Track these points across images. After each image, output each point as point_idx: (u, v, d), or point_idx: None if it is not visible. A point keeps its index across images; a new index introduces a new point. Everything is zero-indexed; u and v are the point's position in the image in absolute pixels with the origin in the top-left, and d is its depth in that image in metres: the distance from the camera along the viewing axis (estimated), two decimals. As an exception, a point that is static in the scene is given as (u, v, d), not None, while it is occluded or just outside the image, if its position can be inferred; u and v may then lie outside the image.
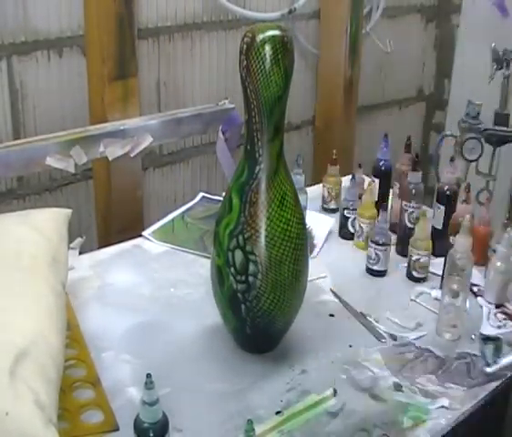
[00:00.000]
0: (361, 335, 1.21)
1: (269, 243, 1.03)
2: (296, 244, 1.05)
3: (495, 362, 1.11)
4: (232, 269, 1.04)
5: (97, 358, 1.10)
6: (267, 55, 0.97)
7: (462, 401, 1.07)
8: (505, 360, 1.12)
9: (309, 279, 1.13)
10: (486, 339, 1.18)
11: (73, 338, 1.13)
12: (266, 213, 1.03)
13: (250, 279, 1.04)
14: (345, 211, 1.52)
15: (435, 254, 1.39)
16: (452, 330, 1.21)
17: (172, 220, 1.60)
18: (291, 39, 1.00)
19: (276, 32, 0.98)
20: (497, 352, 1.15)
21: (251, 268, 1.03)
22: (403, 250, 1.45)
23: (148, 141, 1.74)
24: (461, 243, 1.19)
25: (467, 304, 1.24)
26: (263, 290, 1.04)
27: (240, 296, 1.05)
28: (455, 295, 1.19)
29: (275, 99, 1.00)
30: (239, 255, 1.03)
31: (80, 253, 1.45)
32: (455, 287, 1.19)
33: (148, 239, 1.51)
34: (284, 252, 1.04)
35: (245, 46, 0.98)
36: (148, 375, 0.84)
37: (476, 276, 1.35)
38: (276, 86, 0.99)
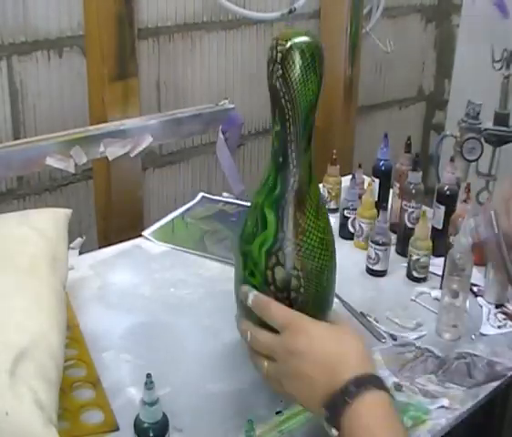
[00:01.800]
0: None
1: (309, 255, 0.99)
2: (332, 252, 1.02)
3: None
4: (272, 288, 0.99)
5: (97, 358, 1.10)
6: (306, 63, 0.95)
7: (462, 401, 1.07)
8: None
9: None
10: None
11: (73, 338, 1.13)
12: (305, 225, 0.99)
13: (293, 294, 0.99)
14: (345, 211, 1.52)
15: (435, 254, 1.39)
16: (452, 330, 1.21)
17: (172, 220, 1.60)
18: (323, 46, 0.97)
19: (308, 38, 0.95)
20: None
21: (294, 282, 0.99)
22: (403, 250, 1.45)
23: (148, 141, 1.74)
24: (461, 243, 1.18)
25: (467, 304, 1.24)
26: (305, 304, 1.00)
27: None
28: (455, 295, 1.19)
29: (311, 107, 0.99)
30: (280, 272, 0.98)
31: (80, 253, 1.45)
32: (455, 287, 1.19)
33: (148, 239, 1.51)
34: (323, 262, 1.00)
35: (280, 55, 0.94)
36: (148, 375, 0.84)
37: (476, 276, 1.35)
38: (312, 93, 0.98)
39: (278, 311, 0.91)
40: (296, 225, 0.99)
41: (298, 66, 0.95)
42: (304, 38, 0.95)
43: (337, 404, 0.80)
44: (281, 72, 0.95)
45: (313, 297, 1.01)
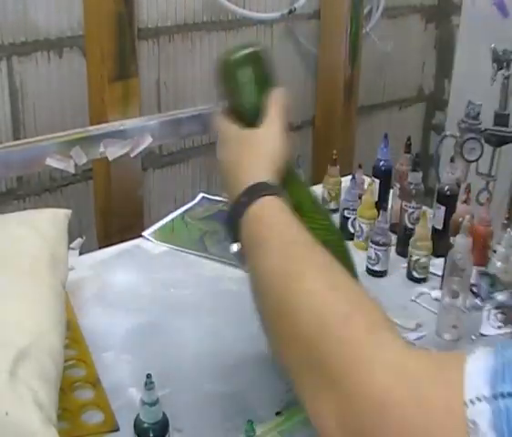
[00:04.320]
0: (361, 335, 1.21)
1: None
2: None
3: (489, 297, 1.08)
4: None
5: (97, 358, 1.10)
6: None
7: (462, 401, 1.06)
8: (499, 296, 1.09)
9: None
10: (483, 273, 1.17)
11: (73, 338, 1.13)
12: None
13: None
14: (345, 211, 1.52)
15: (435, 254, 1.39)
16: (452, 331, 1.21)
17: (172, 220, 1.60)
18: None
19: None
20: (493, 287, 1.12)
21: None
22: (403, 251, 1.45)
23: (148, 141, 1.74)
24: (461, 243, 1.19)
25: (467, 304, 1.24)
26: None
27: None
28: (456, 295, 1.19)
29: None
30: None
31: (80, 253, 1.45)
32: (455, 287, 1.19)
33: (148, 240, 1.51)
34: None
35: None
36: (149, 375, 0.84)
37: (477, 276, 1.34)
38: None
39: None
40: None
41: None
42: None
43: (235, 213, 0.80)
44: None
45: None
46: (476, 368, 0.52)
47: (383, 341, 0.61)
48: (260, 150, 0.87)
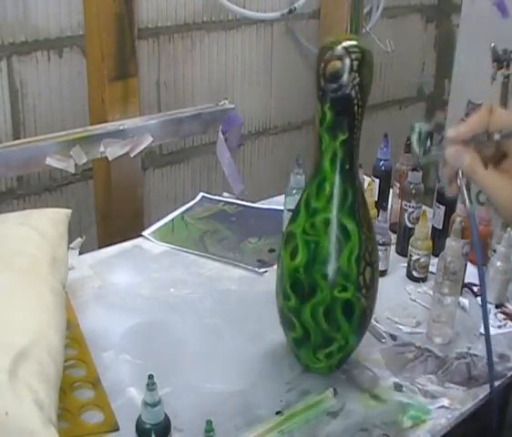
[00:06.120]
0: (361, 335, 1.21)
1: (376, 245, 1.07)
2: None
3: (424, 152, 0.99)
4: (364, 291, 1.02)
5: (97, 358, 1.10)
6: (372, 66, 0.98)
7: (462, 401, 1.07)
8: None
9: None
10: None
11: (73, 338, 1.13)
12: (369, 217, 1.05)
13: (371, 286, 1.04)
14: (345, 211, 1.52)
15: (435, 254, 1.38)
16: (442, 335, 1.20)
17: (172, 220, 1.60)
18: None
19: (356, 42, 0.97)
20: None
21: (375, 275, 1.04)
22: (403, 250, 1.45)
23: (148, 141, 1.74)
24: (452, 246, 1.17)
25: (467, 304, 1.24)
26: (375, 290, 1.06)
27: (368, 310, 1.06)
28: (446, 299, 1.18)
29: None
30: (368, 272, 1.02)
31: (80, 253, 1.45)
32: (445, 291, 1.18)
33: (148, 239, 1.51)
34: (376, 247, 1.07)
35: (356, 63, 0.95)
36: (150, 376, 0.84)
37: (477, 276, 1.34)
38: (369, 93, 1.00)
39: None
40: (367, 222, 1.03)
41: (370, 70, 0.98)
42: (354, 42, 0.97)
43: None
44: (359, 79, 0.96)
45: (375, 281, 1.06)
46: None
47: None
48: None
